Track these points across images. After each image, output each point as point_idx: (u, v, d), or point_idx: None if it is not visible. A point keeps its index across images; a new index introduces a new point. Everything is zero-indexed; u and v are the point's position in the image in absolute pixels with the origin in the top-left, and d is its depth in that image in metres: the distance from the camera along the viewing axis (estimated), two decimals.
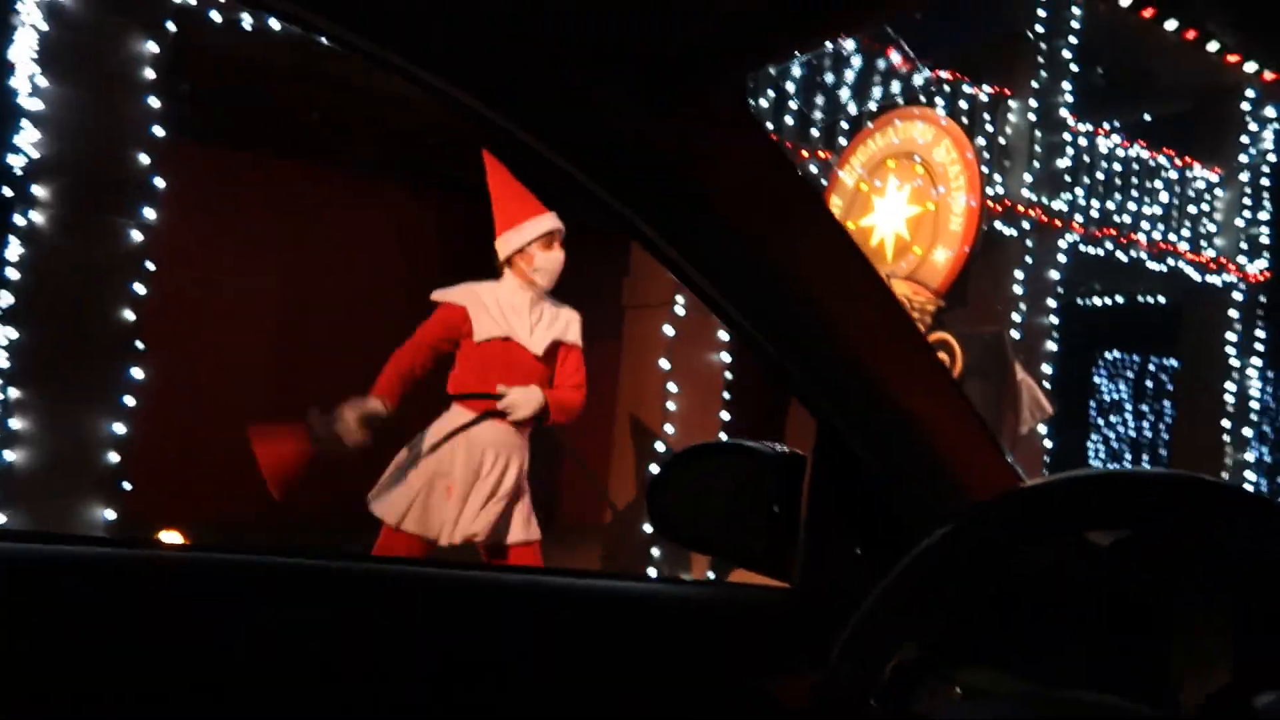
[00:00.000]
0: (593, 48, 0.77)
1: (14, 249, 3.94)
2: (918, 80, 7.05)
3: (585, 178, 0.83)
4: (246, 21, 4.44)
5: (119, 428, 4.09)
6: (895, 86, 6.97)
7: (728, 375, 5.99)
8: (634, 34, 0.78)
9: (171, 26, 4.24)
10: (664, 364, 5.77)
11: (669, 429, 5.73)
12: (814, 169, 6.25)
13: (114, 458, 4.09)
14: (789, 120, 6.48)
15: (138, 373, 4.17)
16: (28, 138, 3.92)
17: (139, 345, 4.17)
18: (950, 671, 0.76)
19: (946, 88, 7.26)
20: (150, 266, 4.17)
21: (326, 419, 3.01)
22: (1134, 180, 8.52)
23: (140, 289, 4.14)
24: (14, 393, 3.90)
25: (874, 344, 0.91)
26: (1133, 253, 8.29)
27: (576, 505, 6.87)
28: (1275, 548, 0.56)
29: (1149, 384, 14.40)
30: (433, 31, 0.74)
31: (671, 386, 5.77)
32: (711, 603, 1.04)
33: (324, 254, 6.03)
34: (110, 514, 4.06)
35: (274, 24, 4.47)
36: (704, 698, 0.95)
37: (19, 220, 3.92)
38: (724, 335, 5.91)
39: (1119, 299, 10.83)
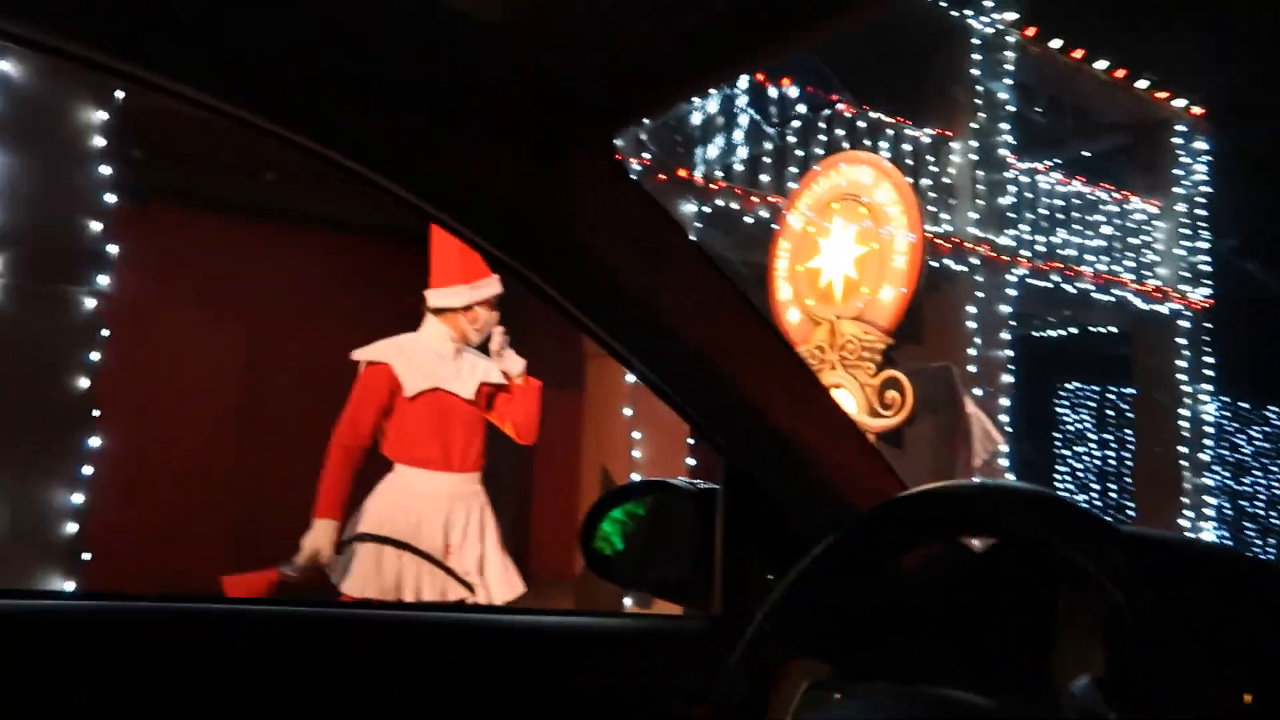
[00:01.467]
0: (470, 112, 0.82)
1: None
2: (861, 123, 7.26)
3: (474, 236, 0.88)
4: None
5: (77, 498, 4.04)
6: (840, 131, 7.17)
7: None
8: (508, 98, 0.82)
9: (120, 94, 4.28)
10: (627, 411, 5.81)
11: (635, 476, 5.75)
12: (764, 213, 6.39)
13: (72, 528, 4.04)
14: (737, 166, 6.63)
15: (94, 441, 4.13)
16: None
17: (95, 413, 4.15)
18: (840, 681, 0.78)
19: (889, 131, 7.48)
20: (105, 333, 4.16)
21: (294, 564, 3.03)
22: (1076, 214, 8.78)
23: (95, 356, 4.13)
24: None
25: (757, 376, 0.96)
26: (1079, 284, 8.51)
27: (547, 555, 6.84)
28: (1113, 564, 0.59)
29: (1110, 412, 14.66)
30: (313, 101, 0.77)
31: (636, 434, 5.81)
32: (635, 633, 1.07)
33: (281, 311, 6.04)
34: (69, 585, 3.99)
35: None
36: None
37: None
38: None
39: (1072, 330, 11.07)
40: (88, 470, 4.10)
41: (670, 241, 0.94)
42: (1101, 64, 8.70)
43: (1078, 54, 8.54)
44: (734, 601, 1.03)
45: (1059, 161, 10.26)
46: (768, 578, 1.03)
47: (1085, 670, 0.67)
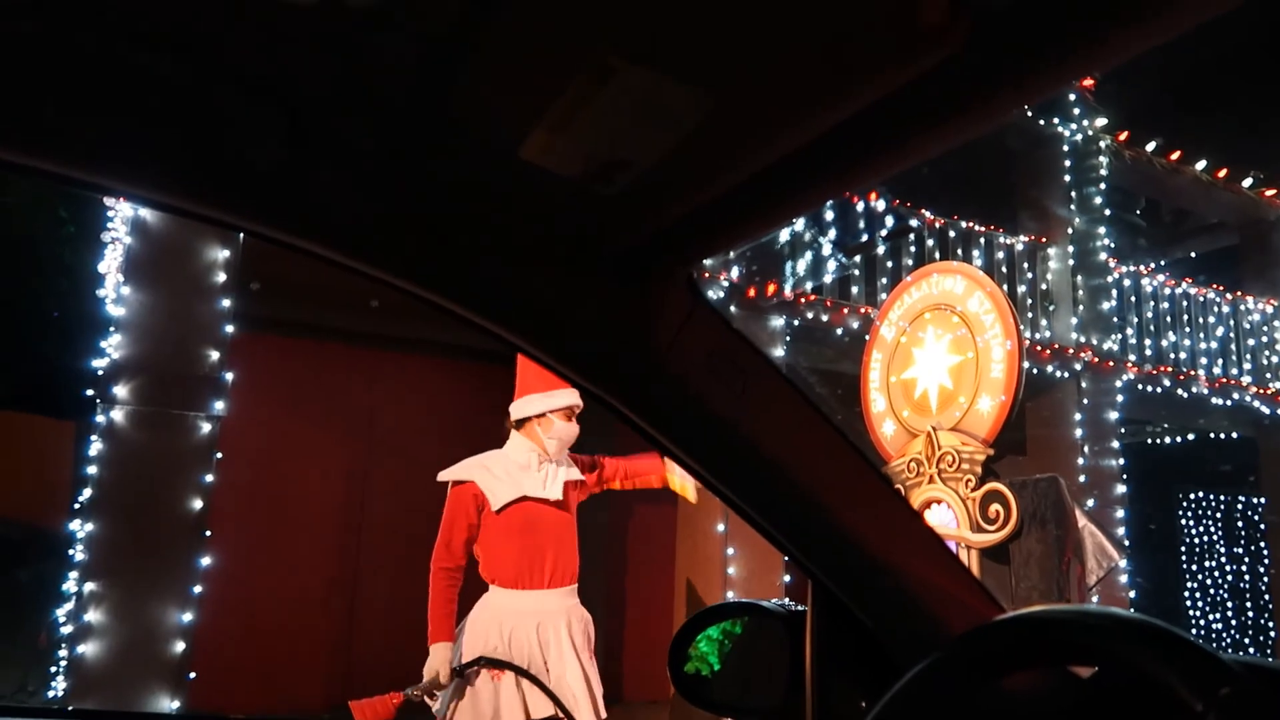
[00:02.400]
0: (553, 252, 0.88)
1: (95, 446, 4.17)
2: (952, 232, 7.24)
3: (562, 366, 0.92)
4: None
5: (186, 616, 4.18)
6: (930, 241, 7.16)
7: None
8: (592, 235, 0.87)
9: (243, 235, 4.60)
10: (720, 527, 5.74)
11: (730, 594, 5.63)
12: (855, 324, 6.37)
13: (180, 646, 4.15)
14: (826, 279, 6.66)
15: (205, 560, 4.29)
16: (112, 341, 4.22)
17: (206, 533, 4.31)
18: None
19: (982, 240, 7.43)
20: (219, 456, 4.37)
21: (418, 687, 3.09)
22: (1185, 317, 8.48)
23: (209, 478, 4.32)
24: (90, 586, 4.03)
25: (842, 497, 0.97)
26: (1194, 388, 8.14)
27: (640, 674, 6.69)
28: (1223, 703, 0.57)
29: (1239, 523, 13.72)
30: (407, 243, 0.82)
31: (730, 550, 5.71)
32: None
33: (386, 434, 6.24)
34: (175, 704, 4.09)
35: None
36: None
37: (99, 418, 4.17)
38: None
39: (1191, 436, 10.51)
40: (197, 589, 4.23)
41: (750, 365, 0.95)
42: (1200, 164, 8.53)
43: (1174, 156, 8.40)
44: None
45: (1164, 263, 9.98)
46: (861, 704, 1.02)
47: None
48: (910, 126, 0.67)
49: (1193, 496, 14.03)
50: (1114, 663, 0.76)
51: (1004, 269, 7.53)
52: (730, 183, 0.79)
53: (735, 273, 6.17)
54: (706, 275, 6.00)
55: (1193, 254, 10.67)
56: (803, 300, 6.39)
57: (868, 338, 5.10)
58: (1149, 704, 0.76)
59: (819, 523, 0.96)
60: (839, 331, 6.45)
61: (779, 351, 6.25)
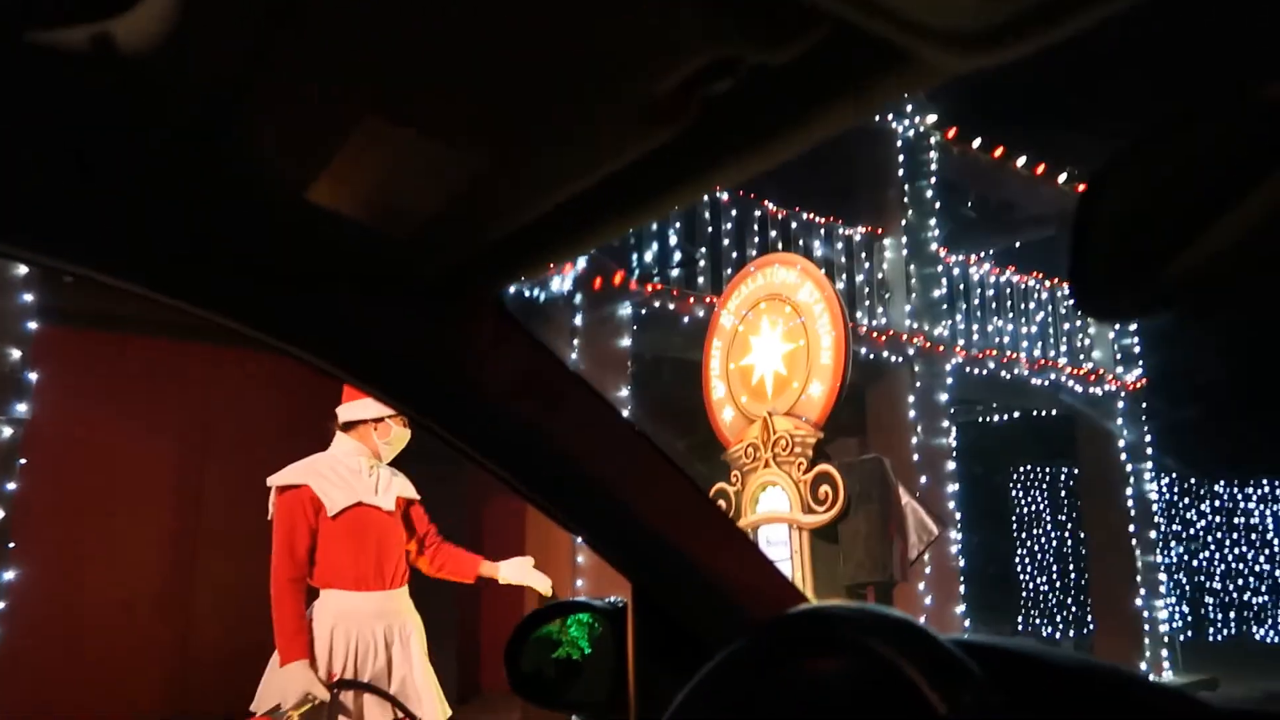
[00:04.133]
0: (361, 272, 0.89)
1: None
2: (793, 223, 7.48)
3: (371, 387, 0.95)
4: None
5: None
6: (773, 232, 7.37)
7: None
8: (394, 262, 0.89)
9: None
10: None
11: (579, 582, 5.66)
12: (700, 313, 6.50)
13: None
14: (673, 270, 6.77)
15: (8, 574, 3.99)
16: None
17: (10, 545, 4.02)
18: None
19: (822, 230, 7.70)
20: (22, 461, 4.07)
21: (293, 707, 2.93)
22: (1009, 303, 9.04)
23: (11, 485, 4.02)
24: None
25: (651, 498, 1.03)
26: (1016, 370, 8.70)
27: (496, 668, 6.65)
28: (960, 702, 0.62)
29: (1063, 494, 14.79)
30: (204, 272, 0.83)
31: (578, 539, 5.73)
32: None
33: (222, 435, 5.95)
34: None
35: None
36: None
37: None
38: None
39: (1015, 414, 11.24)
40: (1, 605, 3.95)
41: (559, 380, 1.00)
42: (1021, 160, 9.10)
43: (998, 152, 8.93)
44: (647, 718, 1.07)
45: (990, 253, 10.61)
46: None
47: None
48: (665, 181, 0.71)
49: (1021, 470, 15.04)
50: (875, 657, 0.82)
51: (843, 259, 7.83)
52: (521, 219, 0.81)
53: (582, 263, 6.18)
54: (551, 267, 5.99)
55: (1018, 244, 11.38)
56: (649, 289, 6.47)
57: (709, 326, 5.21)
58: (905, 701, 0.82)
59: (633, 526, 1.01)
60: (685, 320, 6.57)
61: (626, 341, 6.30)
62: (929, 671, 0.65)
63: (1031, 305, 9.24)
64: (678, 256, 6.82)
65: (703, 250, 6.97)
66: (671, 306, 6.56)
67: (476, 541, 6.68)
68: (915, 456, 7.57)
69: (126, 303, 5.53)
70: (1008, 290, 9.07)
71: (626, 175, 0.71)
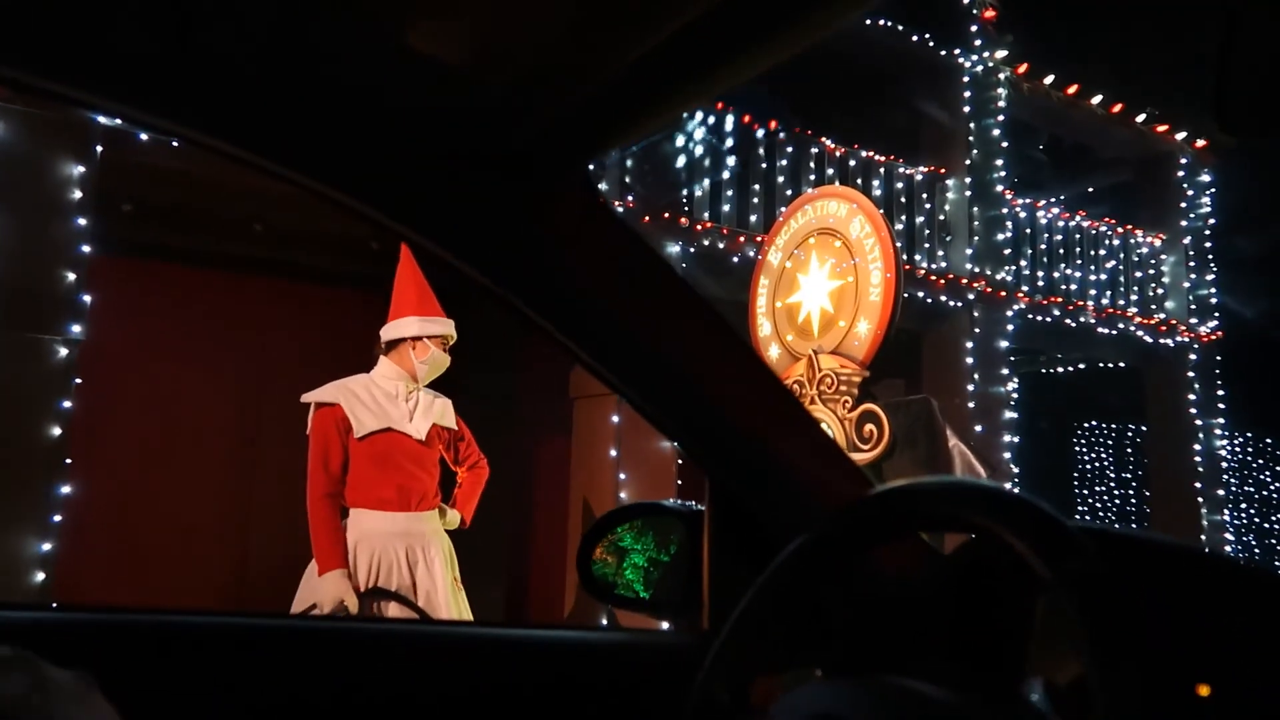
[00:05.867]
0: (447, 148, 0.88)
1: None
2: (852, 161, 7.27)
3: (457, 261, 0.93)
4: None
5: (45, 545, 4.04)
6: (830, 170, 7.17)
7: (680, 462, 5.98)
8: (482, 133, 0.88)
9: (100, 148, 4.36)
10: (613, 452, 5.77)
11: None
12: (751, 252, 6.38)
13: (39, 576, 4.02)
14: (725, 208, 6.64)
15: (66, 489, 4.13)
16: None
17: (67, 461, 4.16)
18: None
19: (881, 169, 7.47)
20: (77, 381, 4.19)
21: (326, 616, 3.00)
22: (1077, 249, 8.70)
23: (68, 404, 4.14)
24: None
25: (737, 394, 1.01)
26: (1082, 319, 8.40)
27: (540, 597, 6.77)
28: (1066, 570, 0.59)
29: (1128, 450, 14.38)
30: (304, 136, 0.84)
31: (622, 475, 5.75)
32: (625, 648, 1.10)
33: (261, 361, 6.07)
34: None
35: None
36: None
37: None
38: None
39: (1081, 366, 10.90)
40: (58, 518, 4.09)
41: (646, 265, 0.97)
42: (1097, 99, 8.68)
43: (1072, 90, 8.53)
44: (722, 617, 1.05)
45: (1061, 197, 10.21)
46: None
47: (1050, 673, 0.69)
48: (750, 35, 0.68)
49: (1085, 424, 14.64)
50: (974, 531, 0.78)
51: (903, 199, 7.60)
52: (604, 78, 0.78)
53: (630, 199, 6.10)
54: (595, 186, 5.92)
55: (1090, 189, 10.94)
56: (699, 228, 6.37)
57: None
58: (1007, 573, 0.78)
59: (715, 418, 1.00)
60: (735, 259, 6.45)
61: None
62: (1030, 537, 0.61)
63: (1102, 252, 8.88)
64: (729, 193, 6.68)
65: (755, 186, 6.82)
66: (722, 245, 6.45)
67: (522, 481, 6.76)
68: (971, 404, 7.39)
69: (182, 234, 5.62)
70: (1077, 236, 8.72)
71: (712, 27, 0.67)
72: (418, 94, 0.84)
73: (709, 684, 0.75)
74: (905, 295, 4.40)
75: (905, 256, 4.30)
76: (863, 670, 0.78)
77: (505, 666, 0.99)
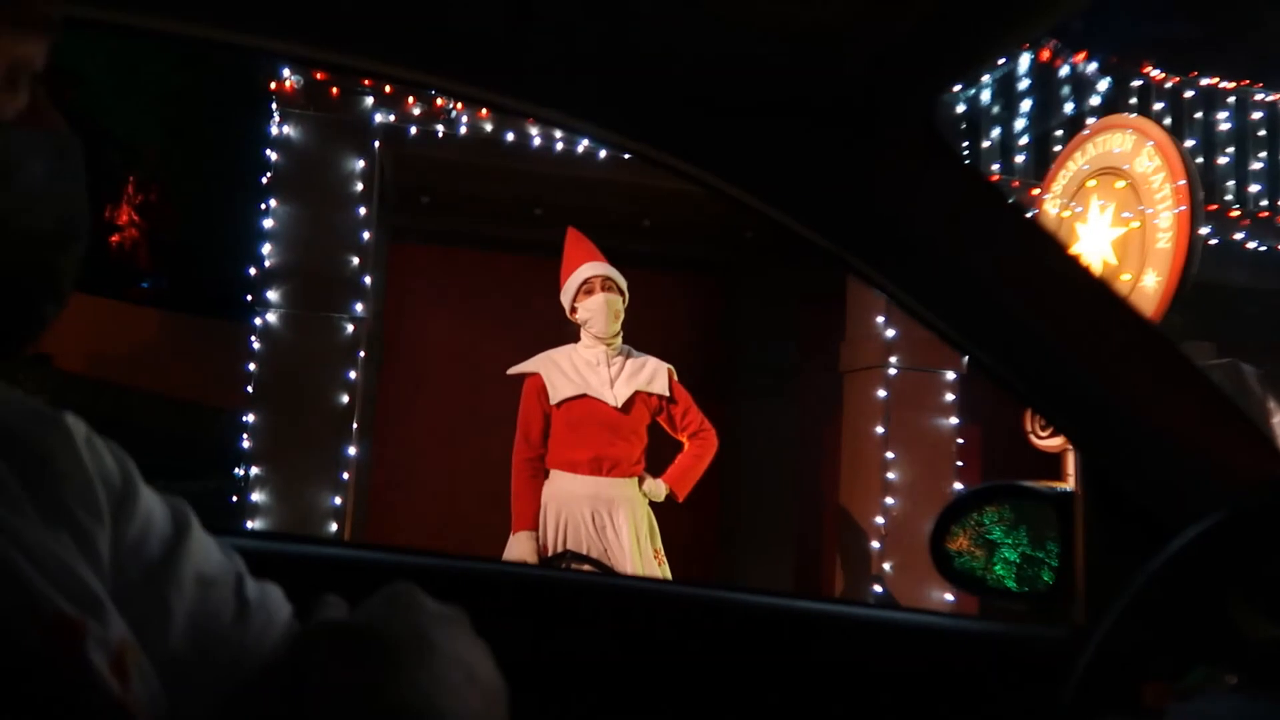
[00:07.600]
0: (777, 97, 0.85)
1: (255, 345, 4.63)
2: (1189, 91, 6.14)
3: (789, 219, 0.89)
4: (457, 128, 4.97)
5: (336, 499, 4.57)
6: (1159, 105, 6.12)
7: (960, 441, 5.46)
8: (810, 79, 0.83)
9: (376, 144, 4.84)
10: (879, 429, 5.40)
11: (888, 500, 5.31)
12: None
13: (333, 527, 4.57)
14: (1019, 158, 5.92)
15: (352, 450, 4.65)
16: (265, 251, 4.64)
17: (353, 425, 4.67)
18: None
19: (1229, 99, 6.24)
20: (360, 355, 4.69)
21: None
22: None
23: (353, 375, 4.66)
24: (254, 470, 4.52)
25: (1113, 357, 0.88)
26: None
27: (814, 575, 6.55)
28: None
29: None
30: (621, 105, 0.85)
31: (889, 454, 5.36)
32: (987, 638, 1.03)
33: (530, 336, 6.44)
34: None
35: (468, 129, 4.96)
36: None
37: (257, 321, 4.61)
38: (949, 396, 5.41)
39: None
40: (346, 475, 4.62)
41: (998, 212, 0.88)
42: None
43: None
44: (1100, 611, 0.96)
45: None
46: None
47: None
48: None
49: None
50: None
51: (1261, 132, 6.28)
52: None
53: None
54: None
55: None
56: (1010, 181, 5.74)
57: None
58: None
59: (1087, 386, 0.88)
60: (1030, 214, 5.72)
61: None
62: None
63: None
64: (1024, 142, 5.94)
65: (1060, 131, 5.99)
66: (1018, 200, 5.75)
67: (795, 459, 6.56)
68: None
69: (474, 220, 6.09)
70: None
71: None
72: (743, 44, 0.80)
73: (1093, 681, 0.66)
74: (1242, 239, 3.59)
75: (1198, 182, 3.50)
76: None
77: (856, 648, 0.95)
